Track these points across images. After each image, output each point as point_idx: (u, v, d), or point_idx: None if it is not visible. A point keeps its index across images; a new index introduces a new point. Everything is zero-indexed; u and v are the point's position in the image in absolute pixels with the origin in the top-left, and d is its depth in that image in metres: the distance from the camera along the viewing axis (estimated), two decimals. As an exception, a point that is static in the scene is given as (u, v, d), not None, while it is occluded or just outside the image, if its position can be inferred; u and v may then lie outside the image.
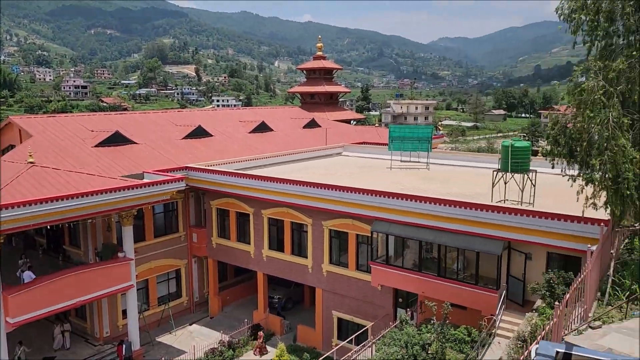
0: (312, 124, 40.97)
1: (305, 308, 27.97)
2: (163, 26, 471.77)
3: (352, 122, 59.31)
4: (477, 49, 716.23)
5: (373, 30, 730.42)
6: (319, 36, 62.28)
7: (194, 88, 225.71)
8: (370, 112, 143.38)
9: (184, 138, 30.55)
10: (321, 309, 24.04)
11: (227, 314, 27.88)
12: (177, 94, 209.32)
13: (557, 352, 1.28)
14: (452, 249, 19.41)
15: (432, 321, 16.12)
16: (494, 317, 16.74)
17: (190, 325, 26.91)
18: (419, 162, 29.60)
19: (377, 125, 74.29)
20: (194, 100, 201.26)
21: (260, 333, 23.85)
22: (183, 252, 27.62)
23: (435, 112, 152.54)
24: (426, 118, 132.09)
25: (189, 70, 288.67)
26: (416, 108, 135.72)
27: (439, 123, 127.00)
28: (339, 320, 23.64)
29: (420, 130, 30.50)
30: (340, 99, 67.83)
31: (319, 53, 58.39)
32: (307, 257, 23.90)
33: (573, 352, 1.30)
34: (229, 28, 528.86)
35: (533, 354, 1.37)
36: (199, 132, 31.56)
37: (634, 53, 11.02)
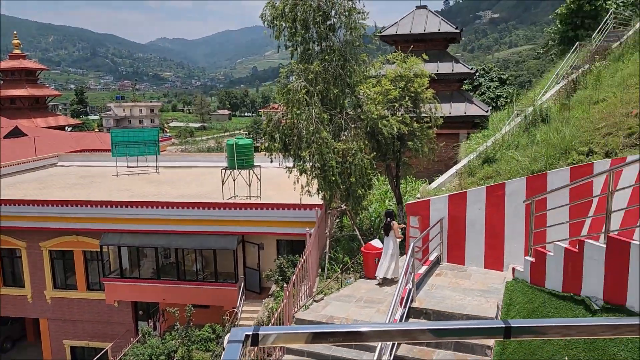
0: (16, 133, 35.60)
1: (31, 344, 24.27)
2: None
3: (67, 128, 53.69)
4: (196, 50, 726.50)
5: (83, 27, 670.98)
6: (15, 32, 54.22)
7: None
8: (89, 117, 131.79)
9: None
10: (49, 341, 21.22)
11: None
12: None
13: (246, 335, 1.36)
14: (190, 250, 19.41)
15: (175, 327, 15.86)
16: (236, 310, 17.42)
17: None
18: (147, 166, 28.54)
19: (97, 130, 68.87)
20: None
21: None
22: None
23: (162, 114, 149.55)
24: (152, 120, 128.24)
25: None
26: (140, 110, 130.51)
27: (166, 125, 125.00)
28: (73, 349, 21.27)
29: (146, 133, 29.43)
30: (50, 103, 60.48)
31: (17, 51, 50.92)
32: (24, 286, 20.70)
33: (259, 332, 1.40)
34: None
35: (225, 342, 1.43)
36: None
37: (327, 57, 12.71)
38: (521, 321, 1.33)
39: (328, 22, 12.89)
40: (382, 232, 12.31)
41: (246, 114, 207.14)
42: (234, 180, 20.07)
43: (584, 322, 1.40)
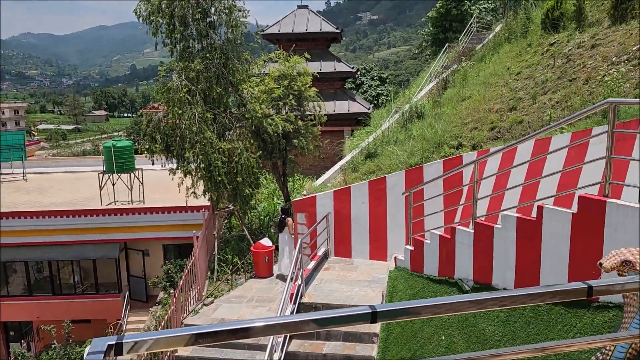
0: None
1: None
2: None
3: None
4: (67, 46, 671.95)
5: None
6: None
7: None
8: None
9: None
10: None
11: None
12: None
13: (109, 345, 1.28)
14: (66, 262, 18.00)
15: (53, 346, 14.61)
16: (120, 321, 16.47)
17: None
18: (13, 173, 25.95)
19: (-50, 135, 61.25)
20: None
21: None
22: None
23: (28, 115, 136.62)
24: (17, 123, 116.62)
25: None
26: (3, 112, 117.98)
27: (34, 128, 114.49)
28: None
29: (10, 137, 26.80)
30: None
31: None
32: None
33: (124, 341, 1.33)
34: None
35: (86, 353, 1.33)
36: None
37: (208, 55, 12.41)
38: (387, 305, 1.40)
39: (208, 20, 12.61)
40: (274, 230, 12.33)
41: (125, 115, 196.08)
42: (113, 184, 18.93)
43: (450, 300, 1.49)
